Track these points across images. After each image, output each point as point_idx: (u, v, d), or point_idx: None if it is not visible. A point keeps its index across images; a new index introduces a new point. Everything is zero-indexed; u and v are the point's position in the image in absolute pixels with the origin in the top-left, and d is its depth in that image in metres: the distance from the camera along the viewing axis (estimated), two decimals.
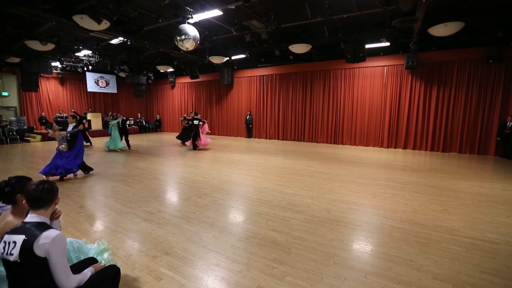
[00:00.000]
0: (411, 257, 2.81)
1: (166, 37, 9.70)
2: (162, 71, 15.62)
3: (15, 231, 1.53)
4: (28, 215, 1.59)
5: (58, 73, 15.80)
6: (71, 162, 6.00)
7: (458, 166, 7.68)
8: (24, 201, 1.78)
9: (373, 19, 7.95)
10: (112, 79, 17.85)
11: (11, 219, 1.79)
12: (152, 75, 16.95)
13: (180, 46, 6.73)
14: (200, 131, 11.00)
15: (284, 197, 4.79)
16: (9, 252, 1.46)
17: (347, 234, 3.37)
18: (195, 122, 10.61)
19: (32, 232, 1.49)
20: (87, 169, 6.51)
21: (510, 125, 8.64)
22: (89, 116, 16.00)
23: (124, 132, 10.76)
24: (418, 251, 2.94)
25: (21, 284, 1.51)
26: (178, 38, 6.53)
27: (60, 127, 6.31)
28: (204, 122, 11.90)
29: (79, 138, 6.28)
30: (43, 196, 1.59)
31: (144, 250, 2.95)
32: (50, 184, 1.66)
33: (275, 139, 14.40)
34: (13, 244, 1.46)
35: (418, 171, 6.88)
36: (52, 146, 11.22)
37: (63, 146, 6.02)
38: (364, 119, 11.71)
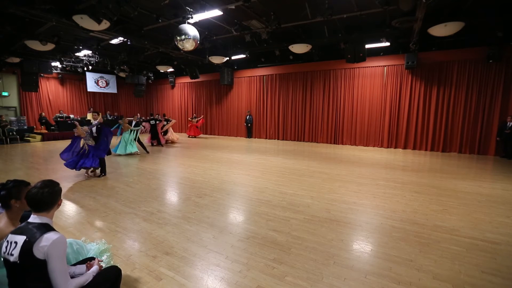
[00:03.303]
0: (411, 257, 2.81)
1: (166, 37, 9.70)
2: (162, 71, 15.63)
3: (18, 230, 1.52)
4: (31, 216, 1.59)
5: (58, 73, 15.81)
6: (93, 159, 6.20)
7: (458, 166, 7.68)
8: (18, 206, 1.77)
9: (373, 19, 7.94)
10: (112, 79, 17.86)
11: (2, 226, 1.74)
12: (152, 75, 16.95)
13: (180, 46, 6.74)
14: (158, 129, 11.88)
15: (284, 197, 4.79)
16: (10, 252, 1.46)
17: (347, 234, 3.37)
18: (151, 122, 11.71)
19: (33, 233, 1.48)
20: (103, 171, 6.38)
21: (510, 125, 8.64)
22: (89, 116, 16.01)
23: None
24: (418, 251, 2.94)
25: (19, 286, 1.50)
26: (178, 38, 6.54)
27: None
28: (160, 121, 12.20)
29: (103, 132, 6.35)
30: (44, 199, 1.58)
31: (144, 250, 2.95)
32: (52, 187, 1.64)
33: (275, 139, 14.40)
34: (14, 244, 1.46)
35: (418, 171, 6.87)
36: (52, 146, 11.24)
37: (89, 142, 6.31)
38: (364, 119, 11.70)
